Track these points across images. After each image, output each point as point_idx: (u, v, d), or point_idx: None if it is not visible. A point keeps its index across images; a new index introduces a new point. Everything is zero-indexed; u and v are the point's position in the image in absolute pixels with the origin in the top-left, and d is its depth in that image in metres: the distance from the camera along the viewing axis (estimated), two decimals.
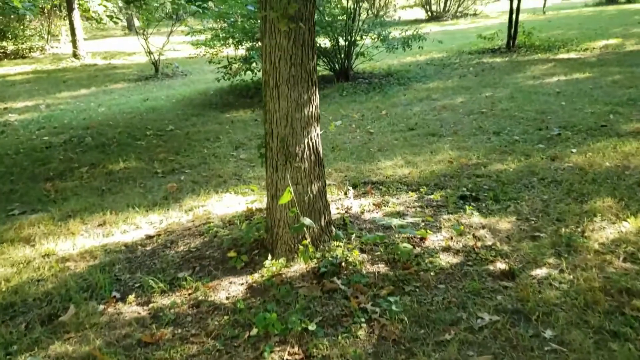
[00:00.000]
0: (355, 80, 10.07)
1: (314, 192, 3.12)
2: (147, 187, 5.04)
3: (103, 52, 18.10)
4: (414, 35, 9.96)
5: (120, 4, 13.95)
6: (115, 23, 12.52)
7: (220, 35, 9.39)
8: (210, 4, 7.62)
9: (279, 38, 2.84)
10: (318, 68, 10.24)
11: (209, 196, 4.58)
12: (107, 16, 13.02)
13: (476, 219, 3.61)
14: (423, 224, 3.56)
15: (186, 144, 6.60)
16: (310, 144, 3.05)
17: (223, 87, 10.46)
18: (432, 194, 4.18)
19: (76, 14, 15.55)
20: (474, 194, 4.10)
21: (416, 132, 6.23)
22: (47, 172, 5.76)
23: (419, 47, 10.06)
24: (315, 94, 3.04)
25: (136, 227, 4.02)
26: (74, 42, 16.09)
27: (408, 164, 5.02)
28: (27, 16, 17.25)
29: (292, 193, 2.96)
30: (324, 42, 9.84)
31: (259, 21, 3.40)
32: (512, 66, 10.11)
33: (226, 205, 4.33)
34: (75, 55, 16.07)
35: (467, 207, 3.79)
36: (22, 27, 17.66)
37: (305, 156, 3.04)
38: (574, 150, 4.90)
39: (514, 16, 11.87)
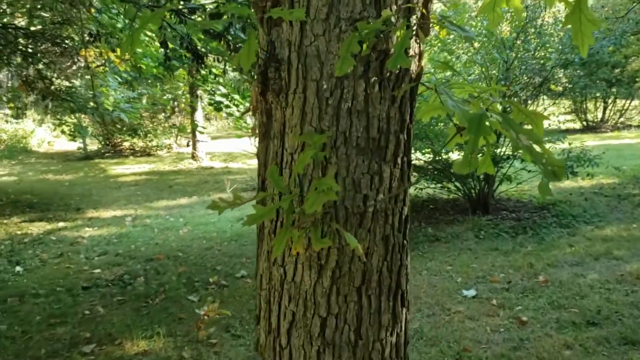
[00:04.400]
0: (497, 213, 7.67)
1: None
2: None
3: (224, 154, 17.61)
4: (580, 156, 7.52)
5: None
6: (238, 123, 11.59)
7: None
8: None
9: None
10: (445, 189, 8.10)
11: None
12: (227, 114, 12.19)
13: None
14: None
15: (250, 304, 4.73)
16: None
17: None
18: None
19: (199, 113, 15.20)
20: None
21: (600, 331, 3.80)
22: (48, 344, 4.16)
23: (588, 175, 7.59)
24: None
25: None
26: (194, 142, 15.70)
27: None
28: (163, 113, 17.45)
29: None
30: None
31: None
32: None
33: None
34: (193, 156, 15.58)
35: None
36: (153, 124, 17.83)
37: None
38: None
39: None
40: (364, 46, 1.45)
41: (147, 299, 5.10)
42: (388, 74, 1.52)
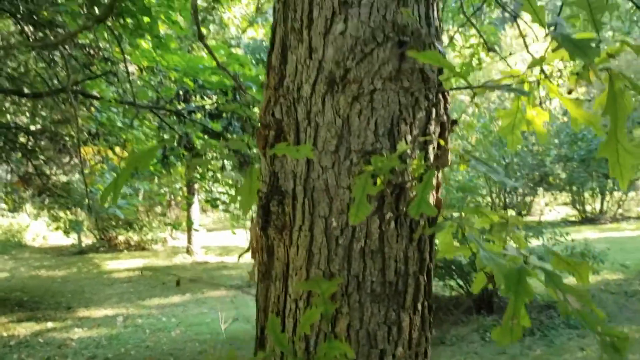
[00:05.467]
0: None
1: None
2: None
3: (220, 247, 17.31)
4: (584, 252, 7.34)
5: None
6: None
7: None
8: None
9: None
10: (447, 287, 7.81)
11: None
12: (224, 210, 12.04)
13: None
14: None
15: None
16: None
17: None
18: None
19: (195, 206, 15.07)
20: None
21: None
22: None
23: (592, 272, 7.35)
24: None
25: None
26: (189, 236, 15.48)
27: None
28: (159, 206, 17.32)
29: None
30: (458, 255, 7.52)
31: None
32: None
33: None
34: (188, 251, 15.30)
35: None
36: (149, 217, 17.64)
37: None
38: None
39: None
40: (378, 181, 1.29)
41: None
42: (405, 210, 1.36)
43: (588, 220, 19.98)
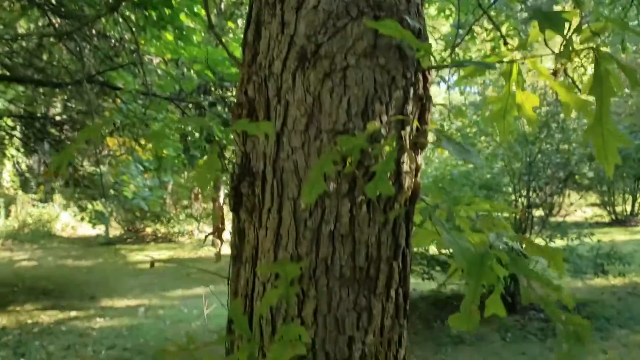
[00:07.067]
0: (524, 312, 7.18)
1: None
2: None
3: None
4: (610, 254, 7.12)
5: None
6: None
7: None
8: None
9: None
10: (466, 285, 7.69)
11: None
12: None
13: None
14: None
15: None
16: None
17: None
18: None
19: (221, 196, 15.18)
20: None
21: None
22: None
23: (620, 274, 7.15)
24: None
25: None
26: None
27: None
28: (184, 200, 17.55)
29: None
30: None
31: None
32: None
33: None
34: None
35: None
36: (176, 210, 17.87)
37: None
38: None
39: None
40: (348, 162, 1.24)
41: None
42: (379, 193, 1.31)
43: (618, 222, 19.33)
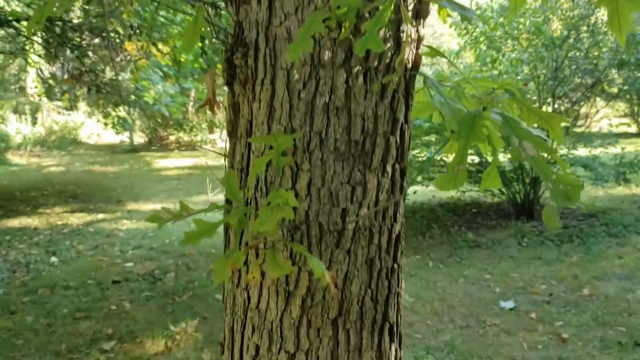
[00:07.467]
0: (542, 219, 7.19)
1: None
2: None
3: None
4: (634, 162, 6.98)
5: None
6: None
7: None
8: None
9: None
10: (489, 192, 7.70)
11: None
12: None
13: None
14: None
15: None
16: None
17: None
18: None
19: None
20: None
21: None
22: (70, 339, 4.08)
23: None
24: None
25: None
26: None
27: None
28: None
29: None
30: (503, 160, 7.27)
31: None
32: None
33: None
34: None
35: None
36: (199, 118, 17.90)
37: None
38: None
39: None
40: (343, 28, 1.17)
41: (174, 296, 5.02)
42: (376, 63, 1.25)
43: None
